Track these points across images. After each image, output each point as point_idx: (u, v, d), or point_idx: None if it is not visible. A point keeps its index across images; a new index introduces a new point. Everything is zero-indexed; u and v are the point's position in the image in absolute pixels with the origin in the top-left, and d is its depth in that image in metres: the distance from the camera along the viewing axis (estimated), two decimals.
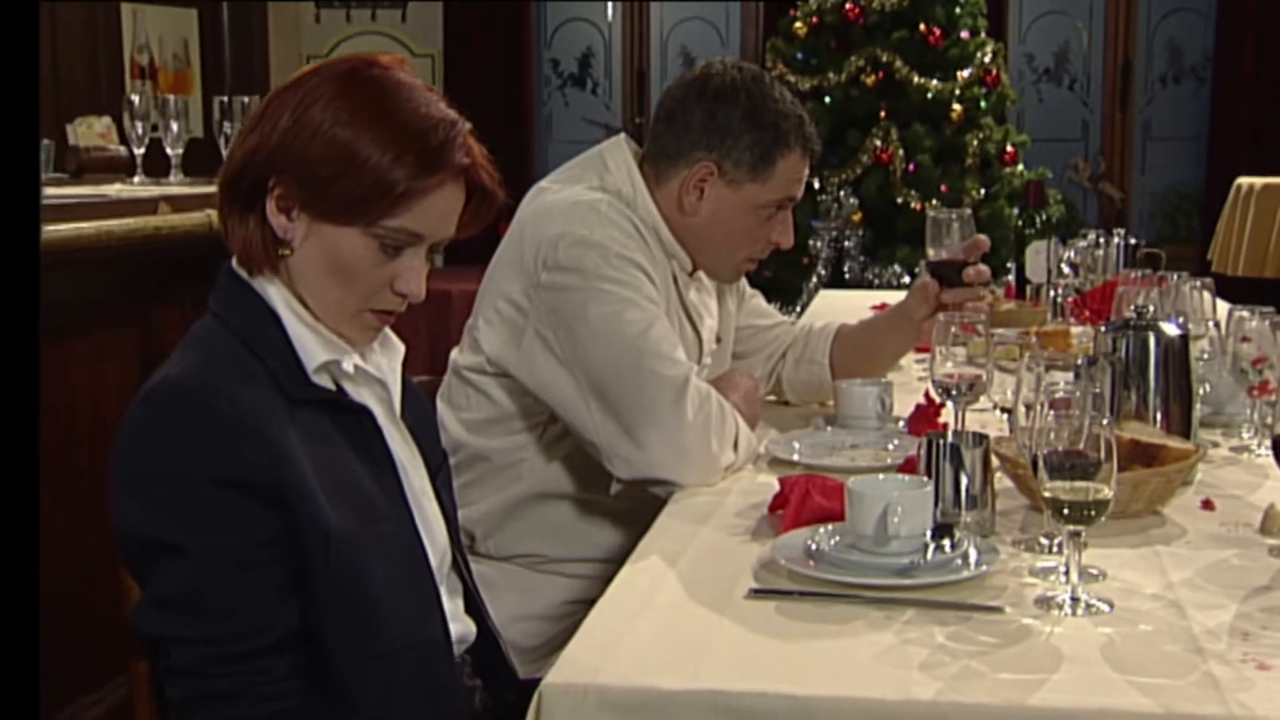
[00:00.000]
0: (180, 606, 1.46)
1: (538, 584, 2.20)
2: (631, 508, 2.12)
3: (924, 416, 2.23)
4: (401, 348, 1.75)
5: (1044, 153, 7.08)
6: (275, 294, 1.58)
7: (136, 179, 3.63)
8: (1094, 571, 1.64)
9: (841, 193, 5.64)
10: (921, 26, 5.78)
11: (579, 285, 2.09)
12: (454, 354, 2.27)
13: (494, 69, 6.40)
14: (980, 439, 1.80)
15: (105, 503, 1.49)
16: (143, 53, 5.88)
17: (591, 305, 2.07)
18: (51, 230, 2.23)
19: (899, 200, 5.64)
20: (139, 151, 3.63)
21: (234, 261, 1.60)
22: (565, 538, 2.21)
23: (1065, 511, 1.53)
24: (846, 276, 5.50)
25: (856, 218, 5.60)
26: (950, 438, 1.80)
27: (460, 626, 1.73)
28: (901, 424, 2.30)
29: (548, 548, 2.21)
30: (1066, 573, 1.55)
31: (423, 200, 1.54)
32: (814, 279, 5.54)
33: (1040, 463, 1.55)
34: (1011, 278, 3.79)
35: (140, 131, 3.59)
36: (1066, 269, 3.61)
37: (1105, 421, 1.53)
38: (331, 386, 1.60)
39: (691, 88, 2.27)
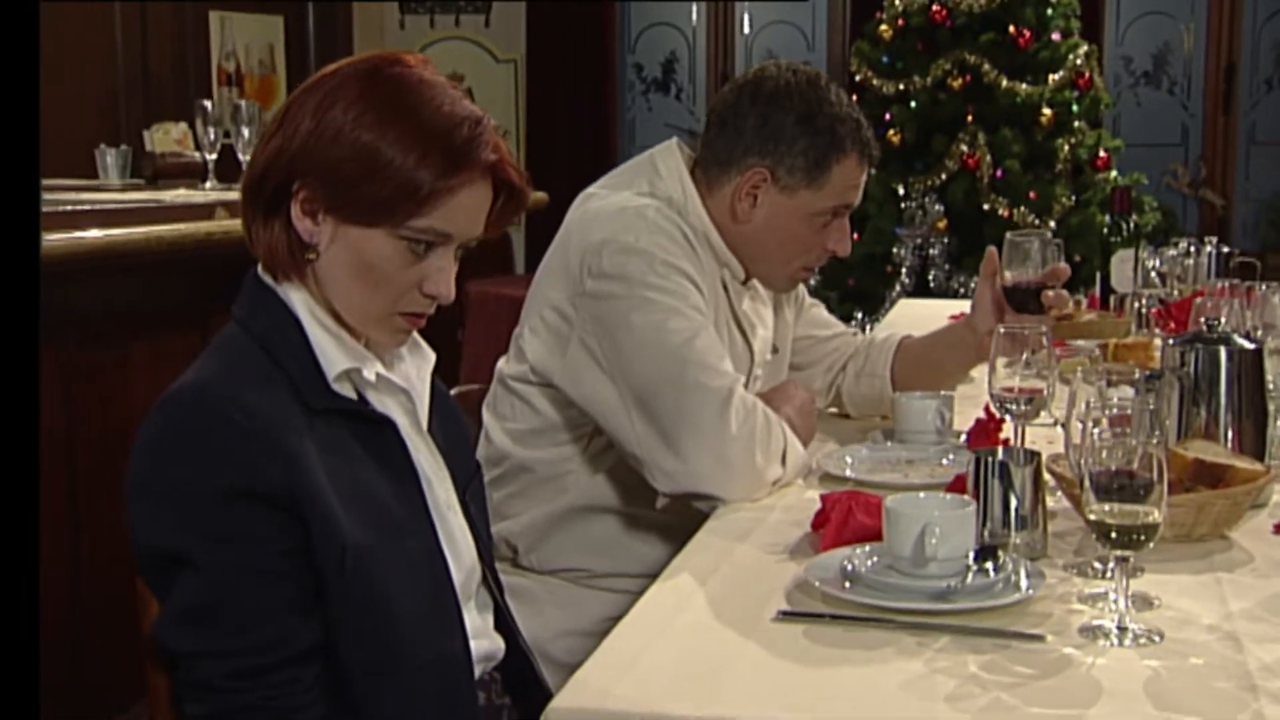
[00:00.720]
0: (198, 620, 1.43)
1: (581, 599, 2.15)
2: (678, 522, 2.06)
3: (984, 432, 2.14)
4: (432, 356, 1.71)
5: (1141, 158, 6.88)
6: (299, 300, 1.55)
7: (208, 184, 3.64)
8: (1148, 598, 1.55)
9: (926, 199, 5.53)
10: (1011, 28, 5.64)
11: (623, 293, 2.03)
12: (500, 363, 2.23)
13: (577, 74, 6.37)
14: (1031, 456, 1.72)
15: None
16: (229, 60, 5.94)
17: (635, 314, 2.02)
18: (101, 235, 2.23)
19: (986, 207, 5.51)
20: (211, 157, 3.64)
21: (259, 268, 1.57)
22: (610, 552, 2.15)
23: (1113, 535, 1.45)
24: (931, 285, 5.39)
25: (942, 225, 5.48)
26: (1000, 455, 1.72)
27: (488, 643, 1.68)
28: (963, 439, 2.21)
29: (592, 562, 2.16)
30: (1116, 600, 1.47)
31: (450, 199, 1.51)
32: (897, 287, 5.44)
33: (1087, 482, 1.47)
34: (1097, 287, 3.66)
35: (212, 137, 3.61)
36: (1155, 279, 3.49)
37: (1156, 440, 1.45)
38: (353, 395, 1.56)
39: (744, 91, 2.20)
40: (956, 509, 1.59)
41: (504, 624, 1.72)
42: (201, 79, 5.87)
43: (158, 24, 5.71)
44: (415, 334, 1.69)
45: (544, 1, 6.40)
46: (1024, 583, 1.55)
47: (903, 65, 5.71)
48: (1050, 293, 2.23)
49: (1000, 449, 1.75)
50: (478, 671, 1.65)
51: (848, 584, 1.56)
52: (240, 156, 3.62)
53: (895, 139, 5.61)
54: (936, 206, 5.52)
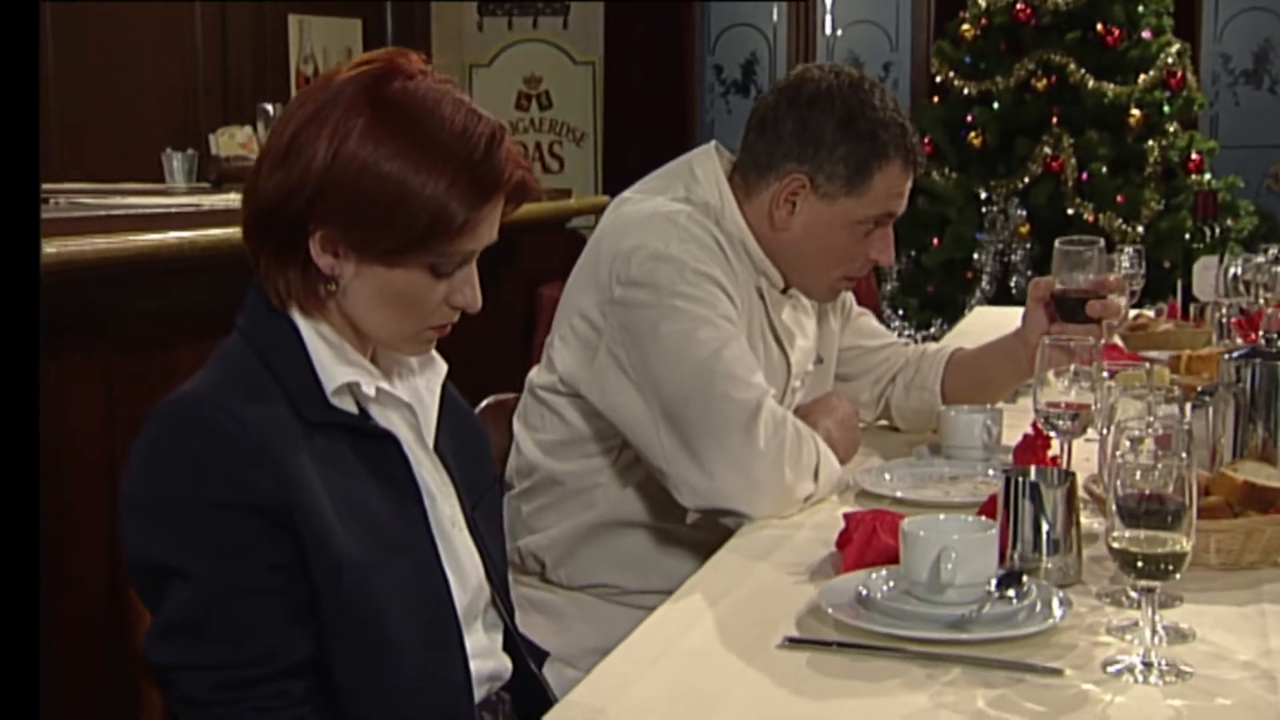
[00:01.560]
0: (187, 633, 1.40)
1: (610, 616, 2.09)
2: (709, 538, 1.99)
3: (1030, 448, 2.04)
4: (443, 368, 1.66)
5: (1239, 161, 6.67)
6: (303, 322, 1.50)
7: None
8: (1182, 631, 1.46)
9: (1008, 204, 5.40)
10: (1099, 26, 5.49)
11: (651, 301, 1.97)
12: (532, 372, 2.18)
13: (655, 76, 6.31)
14: (1065, 476, 1.64)
15: None
16: (308, 63, 5.96)
17: (663, 323, 1.96)
18: (138, 240, 2.22)
19: (1070, 212, 5.36)
20: None
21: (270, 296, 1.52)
22: (640, 568, 2.09)
23: (1139, 565, 1.36)
24: (1013, 292, 5.25)
25: (1024, 230, 5.34)
26: (1032, 474, 1.64)
27: (494, 664, 1.63)
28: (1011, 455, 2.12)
29: (621, 578, 2.10)
30: (1142, 633, 1.39)
31: (480, 223, 1.47)
32: (977, 294, 5.31)
33: (1113, 507, 1.39)
34: (1178, 295, 3.53)
35: None
36: (1241, 287, 3.35)
37: (1186, 462, 1.36)
38: (353, 409, 1.52)
39: (784, 94, 2.13)
40: (976, 532, 1.51)
41: (513, 645, 1.67)
42: (280, 82, 5.90)
43: (237, 26, 5.75)
44: None
45: (623, 2, 6.34)
46: (1048, 612, 1.47)
47: (985, 65, 5.58)
48: (1096, 304, 2.13)
49: (1033, 468, 1.66)
50: (483, 692, 1.60)
51: (859, 610, 1.49)
52: None
53: (976, 141, 5.49)
54: (1019, 211, 5.39)
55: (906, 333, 5.33)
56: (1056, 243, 2.21)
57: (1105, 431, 1.64)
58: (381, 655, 1.45)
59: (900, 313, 5.45)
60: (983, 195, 5.46)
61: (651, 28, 6.33)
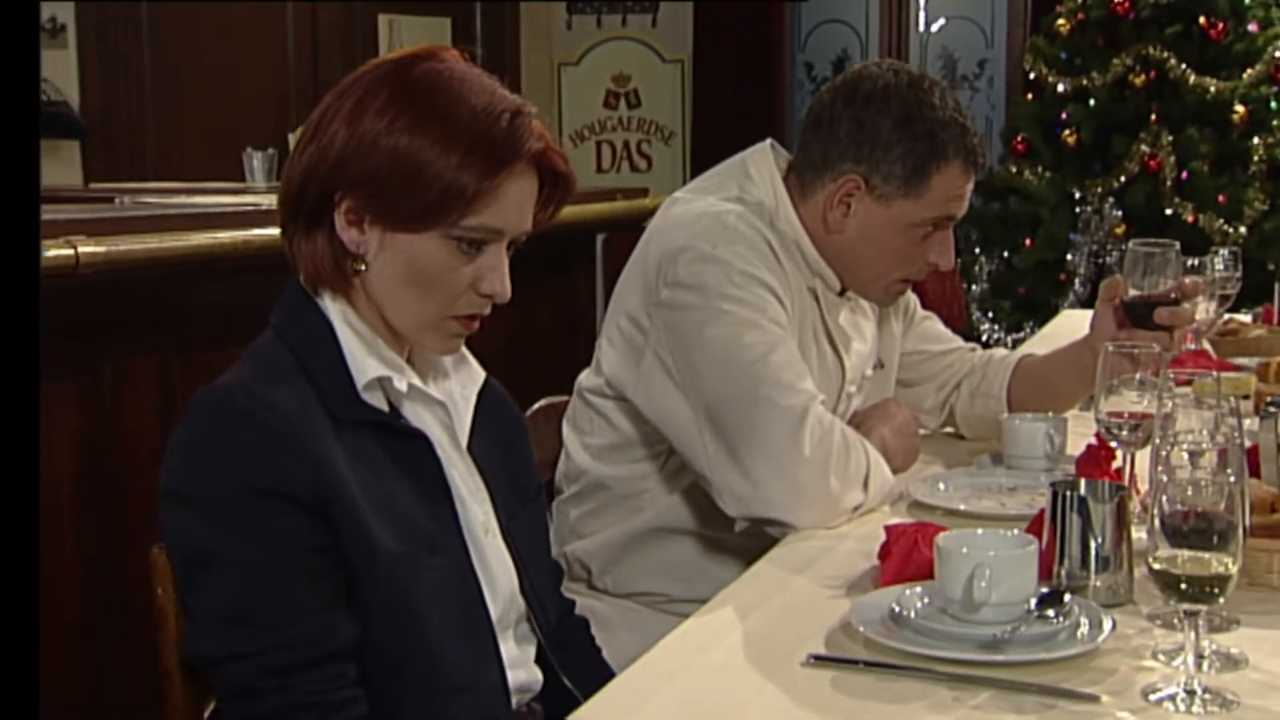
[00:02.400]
0: (233, 622, 1.38)
1: (657, 625, 2.02)
2: (758, 546, 1.93)
3: (1093, 459, 1.96)
4: (481, 375, 1.64)
5: None
6: (336, 311, 1.50)
7: None
8: (1234, 658, 1.38)
9: (1104, 204, 5.24)
10: (1201, 20, 5.31)
11: (698, 304, 1.93)
12: (581, 375, 2.14)
13: (745, 74, 6.23)
14: (1115, 490, 1.56)
15: None
16: None
17: (709, 326, 1.91)
18: (191, 239, 2.23)
19: (1169, 212, 5.19)
20: None
21: (301, 278, 1.52)
22: (687, 576, 2.04)
23: (1182, 587, 1.29)
24: None
25: (1120, 231, 5.19)
26: (1081, 488, 1.57)
27: (525, 674, 1.60)
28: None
29: (669, 586, 2.05)
30: (1186, 659, 1.31)
31: (498, 195, 1.45)
32: (1070, 296, 5.17)
33: (1157, 524, 1.31)
34: (1276, 300, 3.40)
35: None
36: None
37: (1232, 478, 1.28)
38: (384, 406, 1.50)
39: (840, 92, 2.07)
40: (1015, 548, 1.45)
41: (545, 660, 1.63)
42: None
43: (328, 26, 5.79)
44: (465, 351, 1.63)
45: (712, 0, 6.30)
46: (1089, 633, 1.40)
47: (1081, 61, 5.42)
48: (1164, 311, 2.04)
49: (1082, 481, 1.59)
50: (513, 702, 1.57)
51: (892, 627, 1.43)
52: None
53: (1071, 140, 5.34)
54: (1114, 211, 5.23)
55: (995, 336, 5.21)
56: (1130, 244, 2.12)
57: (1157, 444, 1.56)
58: (420, 652, 1.43)
59: (990, 315, 5.32)
60: (1077, 195, 5.31)
61: (741, 24, 6.25)
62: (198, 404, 1.43)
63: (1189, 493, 1.31)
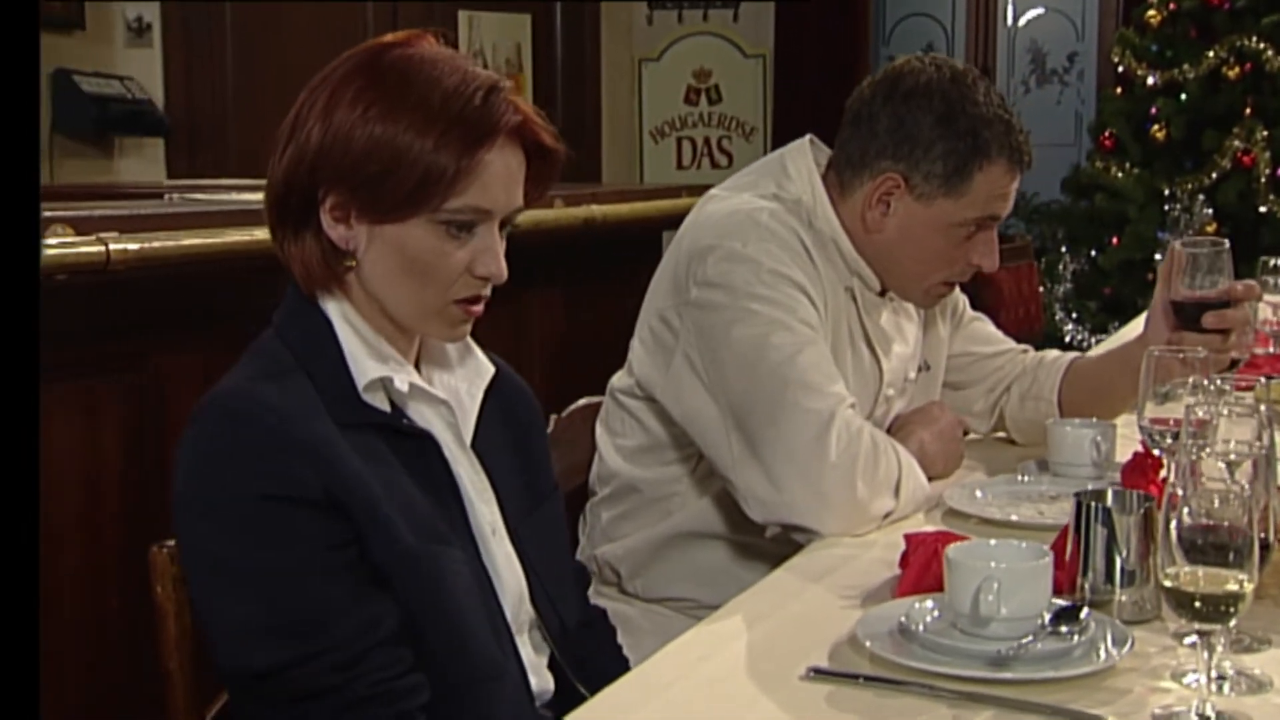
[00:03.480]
0: (281, 630, 1.35)
1: (686, 631, 2.00)
2: (790, 552, 1.88)
3: (1139, 468, 1.88)
4: (489, 371, 1.60)
5: None
6: (335, 310, 1.48)
7: None
8: (1260, 680, 1.31)
9: (1194, 201, 5.09)
10: None
11: (726, 303, 1.88)
12: (615, 376, 2.10)
13: (828, 69, 6.13)
14: (1143, 500, 1.49)
15: None
16: (477, 58, 5.98)
17: (737, 326, 1.86)
18: (231, 237, 2.23)
19: (1262, 209, 5.03)
20: None
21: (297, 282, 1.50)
22: (718, 582, 1.99)
23: (1196, 605, 1.22)
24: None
25: (1210, 229, 5.03)
26: (1108, 498, 1.50)
27: (536, 680, 1.56)
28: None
29: (698, 592, 2.01)
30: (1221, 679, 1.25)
31: (480, 174, 1.41)
32: None
33: (1173, 539, 1.25)
34: None
35: None
36: None
37: (1246, 491, 1.21)
38: (386, 407, 1.47)
39: (880, 88, 2.00)
40: (1027, 560, 1.38)
41: (557, 667, 1.60)
42: None
43: (408, 23, 5.79)
44: (473, 345, 1.60)
45: None
46: (1105, 652, 1.34)
47: (1172, 54, 5.28)
48: (1211, 315, 1.95)
49: (1109, 490, 1.52)
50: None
51: (898, 641, 1.37)
52: None
53: (1160, 135, 5.20)
54: (1205, 209, 5.08)
55: (1079, 337, 5.09)
56: (1177, 243, 2.04)
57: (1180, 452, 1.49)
58: (455, 642, 1.41)
59: (1074, 316, 5.20)
60: (1166, 192, 5.17)
61: (824, 18, 6.18)
62: (201, 409, 1.41)
63: (1214, 504, 1.24)
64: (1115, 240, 5.23)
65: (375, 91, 1.41)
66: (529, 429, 1.67)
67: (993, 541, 1.47)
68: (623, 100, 6.51)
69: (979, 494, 1.92)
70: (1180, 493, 1.25)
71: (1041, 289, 4.88)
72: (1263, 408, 1.55)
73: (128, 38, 5.76)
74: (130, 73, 5.63)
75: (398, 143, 1.39)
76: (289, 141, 1.45)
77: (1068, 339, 5.10)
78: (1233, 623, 1.22)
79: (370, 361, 1.46)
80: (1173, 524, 1.24)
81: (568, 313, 3.47)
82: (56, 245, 1.98)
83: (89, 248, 2.01)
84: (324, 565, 1.36)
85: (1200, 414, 1.54)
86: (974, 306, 2.35)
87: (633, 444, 2.05)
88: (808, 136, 2.12)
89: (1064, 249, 5.35)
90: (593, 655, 1.67)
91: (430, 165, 1.39)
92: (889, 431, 2.07)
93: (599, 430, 2.11)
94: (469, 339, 1.60)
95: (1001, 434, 2.32)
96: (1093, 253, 5.29)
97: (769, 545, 1.93)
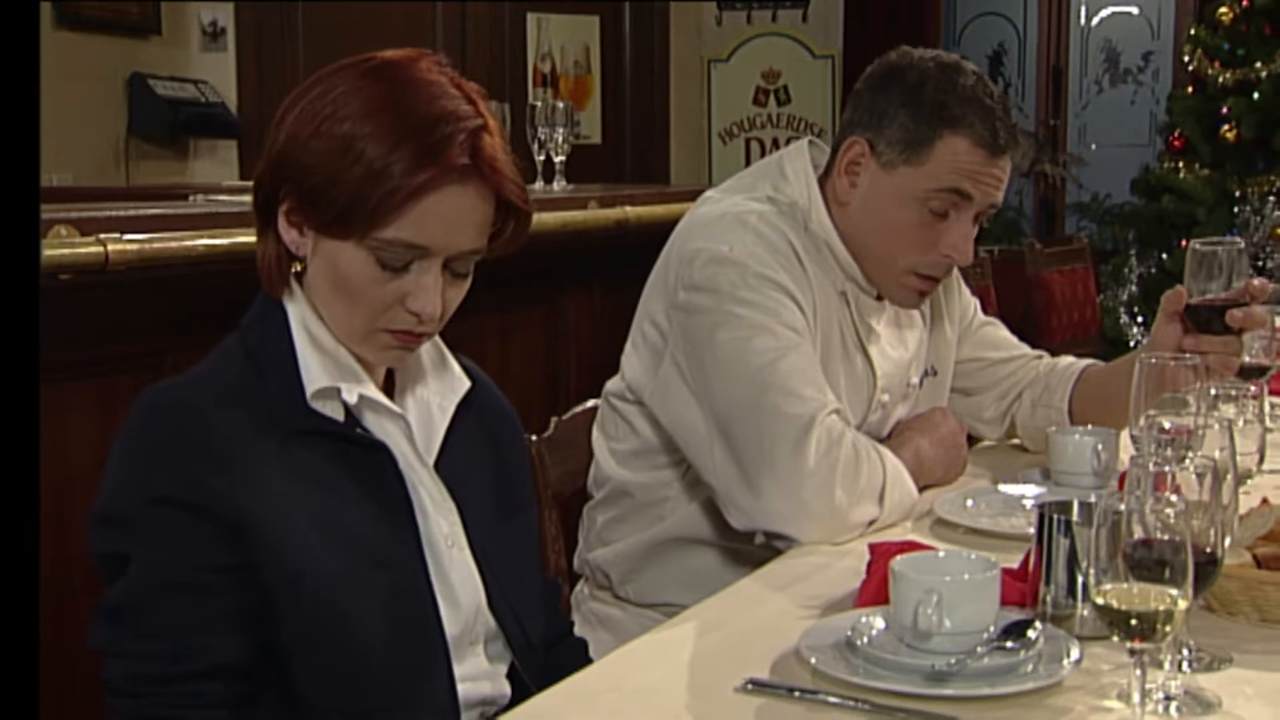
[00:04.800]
0: (118, 619, 1.37)
1: None
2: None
3: None
4: (464, 386, 1.57)
5: None
6: (295, 314, 1.47)
7: None
8: (1208, 701, 1.26)
9: (1265, 202, 4.96)
10: None
11: (711, 306, 1.86)
12: (610, 380, 2.09)
13: None
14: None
15: None
16: (545, 60, 6.00)
17: (720, 330, 1.84)
18: (234, 238, 2.24)
19: None
20: None
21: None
22: (708, 588, 1.94)
23: (1131, 623, 1.18)
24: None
25: None
26: (1073, 510, 1.46)
27: (490, 687, 1.54)
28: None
29: (690, 597, 1.95)
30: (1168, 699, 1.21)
31: (417, 204, 1.37)
32: None
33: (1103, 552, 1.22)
34: None
35: None
36: None
37: (1181, 507, 1.17)
38: (340, 416, 1.46)
39: (866, 79, 2.00)
40: (974, 572, 1.35)
41: (519, 679, 1.58)
42: (517, 80, 5.96)
43: (477, 25, 5.83)
44: (449, 358, 1.59)
45: None
46: (1051, 668, 1.30)
47: (1245, 52, 5.14)
48: (1238, 312, 1.89)
49: (1074, 501, 1.48)
50: (473, 716, 1.52)
51: (840, 654, 1.35)
52: (535, 158, 3.61)
53: (1231, 135, 5.06)
54: (1276, 211, 4.94)
55: (1144, 341, 4.97)
56: (1191, 244, 1.98)
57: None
58: (351, 670, 1.39)
59: (1140, 320, 5.09)
60: (1236, 193, 5.04)
61: (893, 18, 6.10)
62: (137, 403, 1.41)
63: (1151, 518, 1.21)
64: (1184, 243, 5.11)
65: (362, 92, 1.40)
66: (506, 443, 1.65)
67: (942, 553, 1.44)
68: (691, 101, 6.48)
69: (970, 503, 1.88)
70: (1122, 506, 1.22)
71: (1105, 292, 4.79)
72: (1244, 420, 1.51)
73: (203, 41, 5.85)
74: (205, 76, 5.73)
75: (353, 143, 1.37)
76: (268, 140, 1.45)
77: (1132, 343, 4.99)
78: (1165, 641, 1.18)
79: (321, 370, 1.44)
80: (1114, 537, 1.21)
81: (605, 314, 3.46)
82: (56, 245, 2.01)
83: (89, 248, 2.04)
84: (191, 582, 1.35)
85: (1186, 423, 1.50)
86: (1023, 308, 2.31)
87: (625, 448, 2.03)
88: (808, 138, 2.09)
89: (1132, 252, 5.23)
90: (563, 667, 1.66)
91: (372, 172, 1.36)
92: (889, 437, 2.04)
93: (595, 434, 2.10)
94: (445, 351, 1.59)
95: (1015, 440, 2.27)
96: (1160, 254, 5.17)
97: (759, 551, 1.90)
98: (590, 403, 2.19)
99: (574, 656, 1.72)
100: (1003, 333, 2.29)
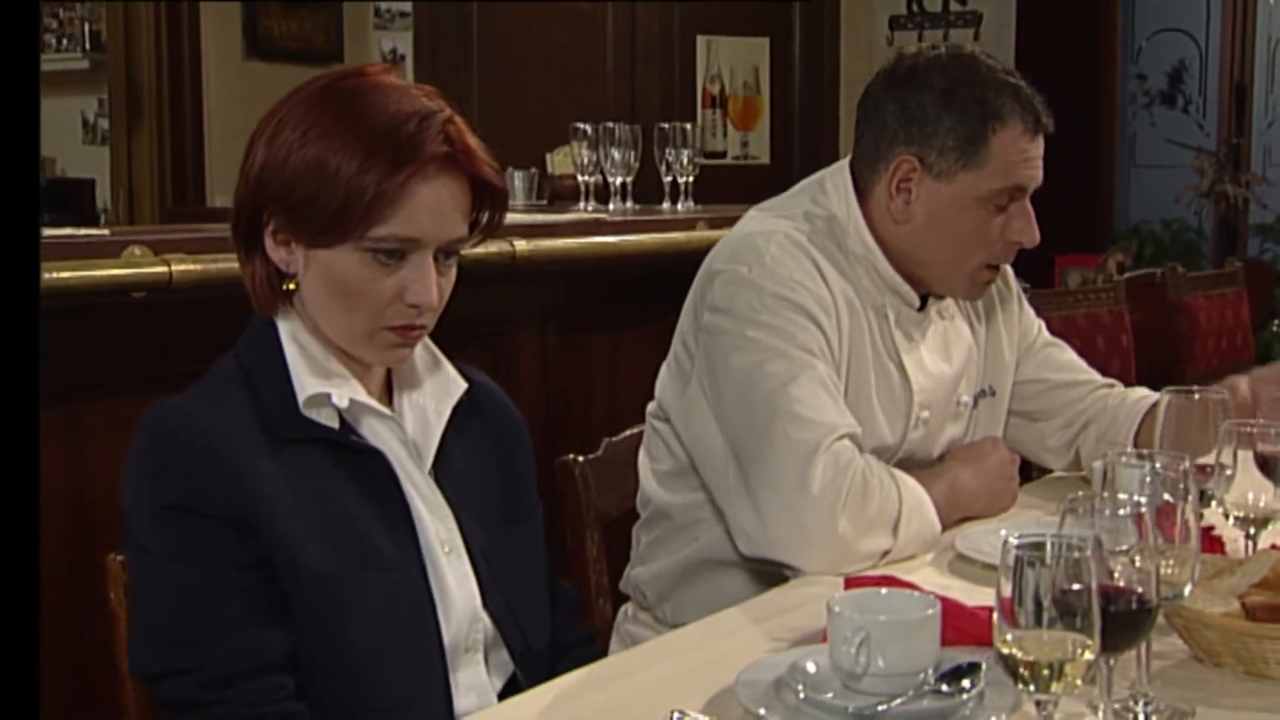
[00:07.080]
0: (166, 638, 1.41)
1: None
2: None
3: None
4: (460, 389, 1.60)
5: None
6: (285, 329, 1.52)
7: (583, 205, 3.69)
8: None
9: None
10: None
11: (729, 329, 1.83)
12: (652, 401, 2.07)
13: (1070, 87, 5.82)
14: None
15: None
16: (714, 82, 6.00)
17: (735, 354, 1.81)
18: None
19: None
20: (586, 179, 3.69)
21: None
22: None
23: (1045, 673, 1.12)
24: None
25: None
26: (1046, 547, 1.38)
27: (482, 699, 1.55)
28: None
29: None
30: None
31: (405, 200, 1.42)
32: None
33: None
34: None
35: (586, 160, 3.65)
36: None
37: (1088, 551, 1.11)
38: (335, 423, 1.49)
39: (881, 79, 1.95)
40: (910, 611, 1.29)
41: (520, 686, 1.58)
42: (686, 101, 5.97)
43: (646, 48, 5.86)
44: (443, 361, 1.61)
45: (1038, 10, 5.94)
46: (989, 714, 1.23)
47: None
48: None
49: (1048, 539, 1.40)
50: None
51: (771, 693, 1.30)
52: (607, 178, 3.63)
53: None
54: None
55: None
56: None
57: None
58: (348, 669, 1.42)
59: None
60: None
61: (1069, 35, 5.90)
62: (139, 423, 1.46)
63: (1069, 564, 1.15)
64: None
65: (317, 114, 1.44)
66: (511, 447, 1.66)
67: (884, 591, 1.38)
68: None
69: (994, 537, 1.80)
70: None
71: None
72: None
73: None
74: None
75: (326, 166, 1.42)
76: (243, 166, 1.49)
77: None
78: (1067, 691, 1.11)
79: (310, 378, 1.48)
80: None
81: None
82: (126, 264, 2.10)
83: (154, 268, 2.12)
84: (220, 583, 1.39)
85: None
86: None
87: (664, 468, 2.01)
88: (849, 156, 2.04)
89: None
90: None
91: (352, 189, 1.41)
92: (939, 460, 1.97)
93: (640, 454, 2.08)
94: (438, 355, 1.62)
95: (1082, 471, 2.16)
96: None
97: (787, 573, 1.86)
98: (638, 427, 2.18)
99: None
100: (1068, 355, 2.19)
